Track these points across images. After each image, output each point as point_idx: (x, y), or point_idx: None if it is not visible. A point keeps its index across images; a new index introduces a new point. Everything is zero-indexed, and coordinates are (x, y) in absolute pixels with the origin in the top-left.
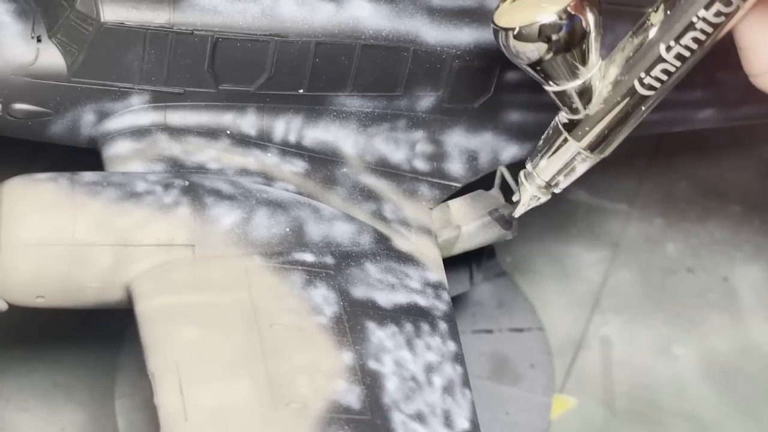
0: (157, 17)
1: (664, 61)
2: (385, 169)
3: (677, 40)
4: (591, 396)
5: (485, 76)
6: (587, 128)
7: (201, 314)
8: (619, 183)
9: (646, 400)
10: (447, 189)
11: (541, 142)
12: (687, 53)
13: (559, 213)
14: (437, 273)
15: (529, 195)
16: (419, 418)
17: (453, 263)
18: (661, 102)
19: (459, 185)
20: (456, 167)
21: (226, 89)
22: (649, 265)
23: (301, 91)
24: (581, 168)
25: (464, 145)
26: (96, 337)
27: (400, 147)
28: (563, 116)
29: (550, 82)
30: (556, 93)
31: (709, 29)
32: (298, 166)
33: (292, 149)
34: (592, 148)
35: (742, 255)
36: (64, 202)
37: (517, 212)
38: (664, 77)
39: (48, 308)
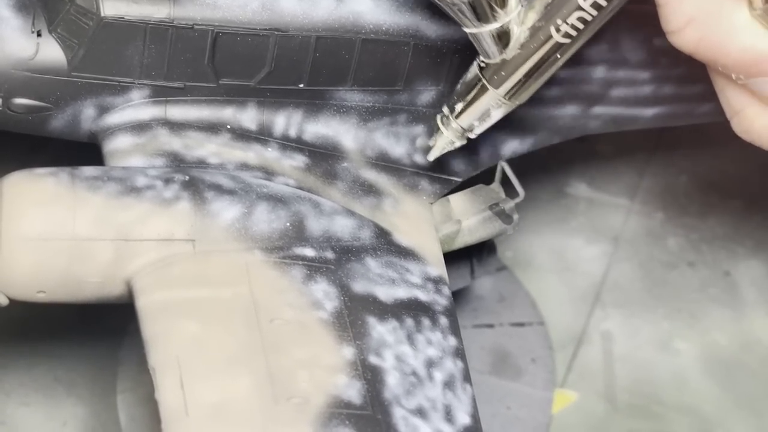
0: (158, 11)
1: (581, 9)
2: (385, 163)
3: None
4: (592, 390)
5: None
6: (504, 74)
7: (201, 309)
8: (620, 177)
9: (647, 395)
10: (447, 183)
11: (458, 87)
12: (603, 2)
13: (559, 207)
14: (438, 268)
15: (446, 140)
16: (420, 413)
17: (454, 258)
18: (662, 96)
19: (459, 180)
20: (456, 162)
21: (227, 84)
22: (650, 260)
23: (301, 85)
24: (496, 114)
25: None
26: (97, 331)
27: (401, 141)
28: (481, 61)
29: (470, 24)
30: (474, 36)
31: None
32: (299, 160)
33: (292, 144)
34: (509, 95)
35: (744, 249)
36: (65, 197)
37: (431, 155)
38: (581, 25)
39: (49, 303)
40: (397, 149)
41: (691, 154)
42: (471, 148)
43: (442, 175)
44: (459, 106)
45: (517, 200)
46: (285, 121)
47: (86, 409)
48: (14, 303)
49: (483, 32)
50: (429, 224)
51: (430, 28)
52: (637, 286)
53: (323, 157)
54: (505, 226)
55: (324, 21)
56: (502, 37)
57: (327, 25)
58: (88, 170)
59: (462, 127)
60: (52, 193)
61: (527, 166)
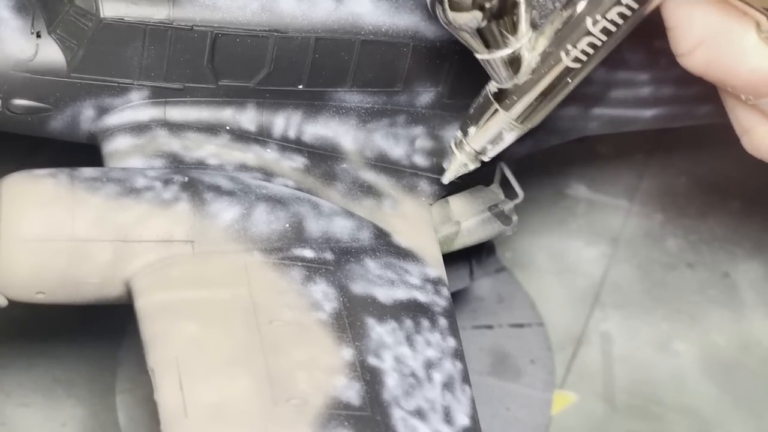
0: (157, 13)
1: (590, 34)
2: (384, 164)
3: (604, 14)
4: (591, 391)
5: (485, 72)
6: (515, 98)
7: (201, 310)
8: (619, 178)
9: (646, 396)
10: (447, 185)
11: (470, 111)
12: (612, 27)
13: (559, 208)
14: (437, 269)
15: (459, 163)
16: (419, 414)
17: (453, 259)
18: (661, 97)
19: (459, 180)
20: None
21: (226, 85)
22: (649, 261)
23: (300, 86)
24: (509, 137)
25: None
26: (96, 332)
27: (400, 142)
28: (493, 86)
29: (482, 50)
30: (486, 62)
31: (635, 5)
32: (298, 161)
33: (291, 145)
34: (521, 118)
35: (743, 251)
36: (64, 198)
37: (445, 179)
38: (590, 50)
39: (48, 304)
40: (397, 150)
41: (690, 155)
42: None
43: (441, 177)
44: (472, 130)
45: (517, 201)
46: (284, 122)
47: (85, 410)
48: (13, 304)
49: (494, 58)
50: (428, 225)
51: (430, 30)
52: (637, 288)
53: (322, 158)
54: (504, 228)
55: (323, 22)
56: (514, 63)
57: (326, 26)
58: (88, 171)
59: (475, 150)
60: (51, 194)
61: (526, 168)
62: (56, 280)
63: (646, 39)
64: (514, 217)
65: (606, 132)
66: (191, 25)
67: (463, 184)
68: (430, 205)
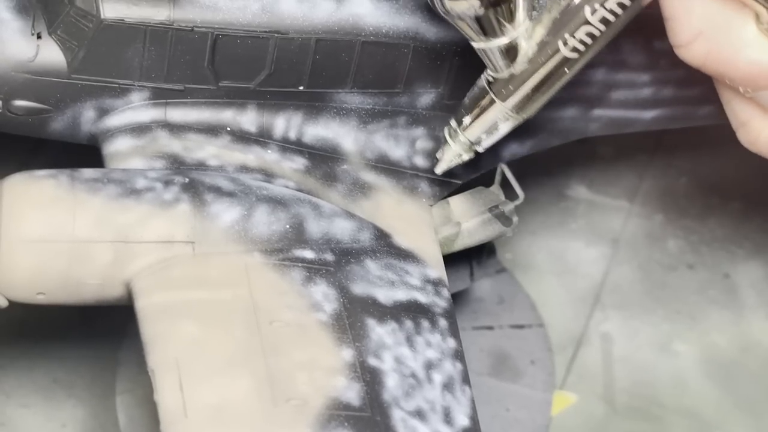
0: (157, 14)
1: (588, 23)
2: (385, 165)
3: (602, 3)
4: (591, 392)
5: (484, 68)
6: (512, 88)
7: (201, 311)
8: (620, 179)
9: (646, 397)
10: (447, 186)
11: (466, 100)
12: (611, 17)
13: (559, 209)
14: (437, 270)
15: (453, 153)
16: (419, 415)
17: (453, 260)
18: (662, 99)
19: (459, 182)
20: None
21: (226, 86)
22: (649, 262)
23: (301, 87)
24: (504, 127)
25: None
26: (96, 333)
27: (401, 144)
28: (489, 75)
29: (479, 39)
30: (483, 50)
31: None
32: (298, 162)
33: (292, 146)
34: (517, 108)
35: (743, 251)
36: (64, 199)
37: (439, 169)
38: (589, 40)
39: (48, 305)
40: (397, 151)
41: (690, 156)
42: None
43: (441, 178)
44: (467, 120)
45: (517, 202)
46: (285, 123)
47: (85, 411)
48: (14, 304)
49: (491, 47)
50: (428, 226)
51: (430, 31)
52: (637, 288)
53: (323, 160)
54: (504, 229)
55: (324, 23)
56: (510, 52)
57: (327, 27)
58: (88, 172)
59: (469, 140)
60: (51, 195)
61: (527, 169)
62: (57, 280)
63: (647, 40)
64: (515, 218)
65: (606, 133)
66: (192, 26)
67: (464, 185)
68: (431, 206)
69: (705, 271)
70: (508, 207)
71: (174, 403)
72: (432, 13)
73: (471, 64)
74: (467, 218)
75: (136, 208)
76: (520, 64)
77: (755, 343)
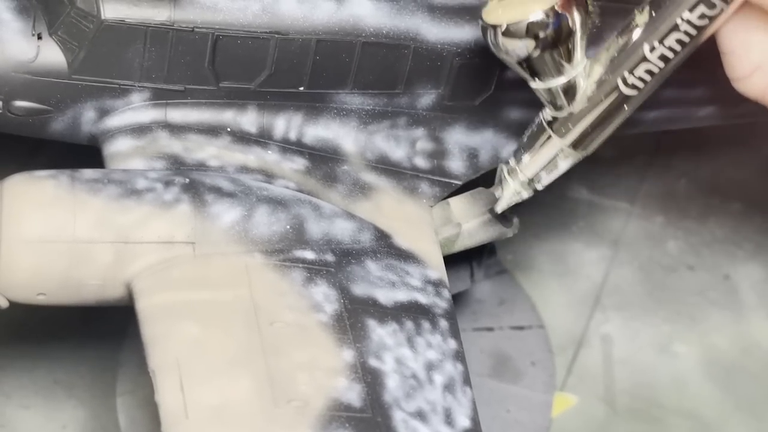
0: (158, 14)
1: (647, 61)
2: (385, 166)
3: (661, 41)
4: (592, 394)
5: (486, 74)
6: (571, 125)
7: (202, 311)
8: (620, 181)
9: (647, 398)
10: (447, 186)
11: (524, 138)
12: (670, 54)
13: (560, 211)
14: (438, 270)
15: (512, 191)
16: (420, 416)
17: (454, 261)
18: (662, 100)
19: (459, 183)
20: (456, 165)
21: (227, 87)
22: (649, 263)
23: (301, 88)
24: (563, 165)
25: (465, 143)
26: (97, 334)
27: (401, 144)
28: (548, 113)
29: (537, 79)
30: (541, 90)
31: (693, 31)
32: (299, 163)
33: (292, 147)
34: (576, 145)
35: (743, 253)
36: (65, 200)
37: (499, 208)
38: (648, 77)
39: (49, 305)
40: (397, 152)
41: (690, 157)
42: (471, 151)
43: (442, 178)
44: (526, 158)
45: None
46: (285, 124)
47: (86, 412)
48: (14, 305)
49: (550, 87)
50: (429, 227)
51: (431, 32)
52: (637, 290)
53: (323, 160)
54: (505, 230)
55: (324, 24)
56: (569, 91)
57: (327, 28)
58: (89, 173)
59: (528, 178)
60: (52, 196)
61: None
62: (57, 281)
63: None
64: (515, 220)
65: None
66: (192, 26)
67: (464, 186)
68: (431, 206)
69: (705, 273)
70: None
71: (175, 403)
72: (432, 14)
73: (471, 64)
74: (468, 219)
75: (136, 208)
76: (579, 103)
77: (755, 344)
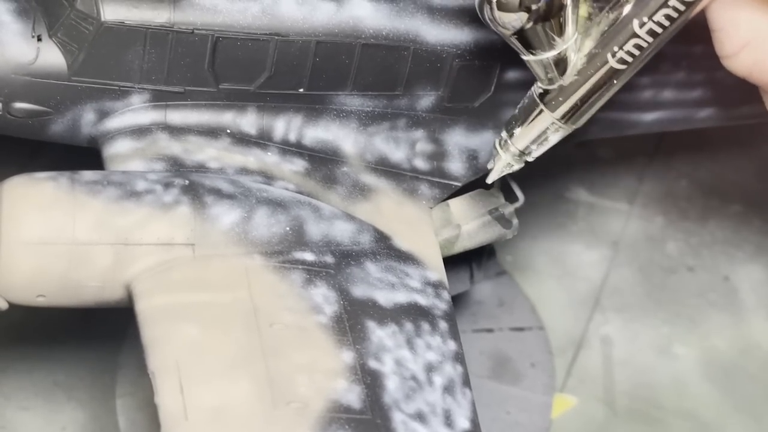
0: (158, 16)
1: (636, 36)
2: (385, 168)
3: (650, 16)
4: (592, 395)
5: (485, 76)
6: (561, 99)
7: (201, 313)
8: (620, 182)
9: (646, 400)
10: (447, 188)
11: (516, 111)
12: (659, 29)
13: (559, 212)
14: (437, 272)
15: (504, 163)
16: (420, 417)
17: (453, 262)
18: (662, 101)
19: (459, 184)
20: (456, 166)
21: (227, 88)
22: (649, 264)
23: (301, 90)
24: (554, 138)
25: (464, 144)
26: (97, 336)
27: (401, 146)
28: (539, 87)
29: (529, 52)
30: (533, 62)
31: (681, 7)
32: (298, 165)
33: (292, 148)
34: (566, 118)
35: (743, 254)
36: (64, 201)
37: (490, 178)
38: (636, 52)
39: (48, 307)
40: (397, 154)
41: (690, 158)
42: (471, 152)
43: (441, 180)
44: (517, 130)
45: (517, 205)
46: (285, 125)
47: (86, 414)
48: (14, 307)
49: (541, 59)
50: (428, 229)
51: (430, 33)
52: (637, 291)
53: (323, 162)
54: (504, 231)
55: (324, 26)
56: (560, 64)
57: (327, 29)
58: (88, 175)
59: (519, 150)
60: (51, 198)
61: (527, 171)
62: (57, 283)
63: None
64: (515, 221)
65: (606, 135)
66: (192, 28)
67: (464, 187)
68: (431, 208)
69: (705, 274)
70: (508, 209)
71: (174, 405)
72: (432, 15)
73: (471, 66)
74: (467, 220)
75: (136, 210)
76: (569, 76)
77: (755, 345)
